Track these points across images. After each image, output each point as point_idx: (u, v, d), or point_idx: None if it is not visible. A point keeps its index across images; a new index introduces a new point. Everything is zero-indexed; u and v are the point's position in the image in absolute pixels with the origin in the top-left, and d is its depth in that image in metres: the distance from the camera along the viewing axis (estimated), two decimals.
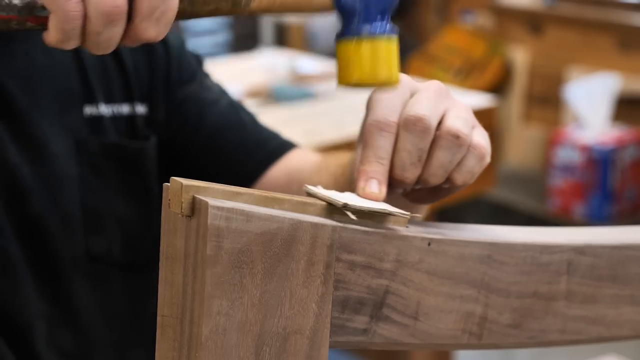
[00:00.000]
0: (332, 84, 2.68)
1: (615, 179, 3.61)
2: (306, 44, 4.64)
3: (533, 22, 4.15)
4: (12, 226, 0.92)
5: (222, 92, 1.10)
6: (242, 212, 0.50)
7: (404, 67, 4.05)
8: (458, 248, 0.57)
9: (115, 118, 1.01)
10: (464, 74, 4.23)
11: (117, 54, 1.00)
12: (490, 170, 2.64)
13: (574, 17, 4.01)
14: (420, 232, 0.56)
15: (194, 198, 0.50)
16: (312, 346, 0.52)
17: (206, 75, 1.10)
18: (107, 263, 0.96)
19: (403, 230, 0.55)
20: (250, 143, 1.10)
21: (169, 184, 0.51)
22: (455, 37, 4.33)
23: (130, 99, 1.03)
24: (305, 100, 2.53)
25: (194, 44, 4.24)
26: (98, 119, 1.00)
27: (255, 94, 2.52)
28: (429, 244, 0.55)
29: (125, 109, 1.02)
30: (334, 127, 2.35)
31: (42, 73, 0.97)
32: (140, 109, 1.03)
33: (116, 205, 0.99)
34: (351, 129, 2.31)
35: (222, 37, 4.42)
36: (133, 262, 0.98)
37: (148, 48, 1.04)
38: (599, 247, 0.62)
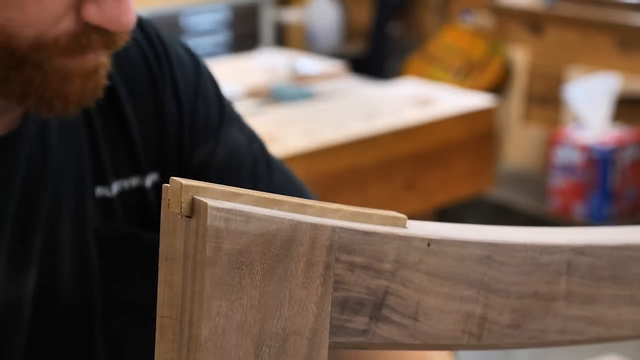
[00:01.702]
0: (332, 84, 2.68)
1: (615, 179, 3.61)
2: (306, 44, 4.64)
3: (533, 22, 4.15)
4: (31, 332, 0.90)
5: (253, 148, 1.02)
6: (241, 213, 0.50)
7: (404, 67, 4.05)
8: (458, 248, 0.57)
9: (125, 194, 0.96)
10: (464, 74, 4.23)
11: (123, 122, 0.96)
12: (490, 170, 2.64)
13: (574, 17, 4.02)
14: (419, 232, 0.56)
15: (193, 199, 0.50)
16: (312, 347, 0.52)
17: (232, 123, 1.03)
18: (129, 346, 0.96)
19: (402, 230, 0.55)
20: None
21: (168, 184, 0.51)
22: (455, 37, 4.33)
23: (138, 171, 0.97)
24: (305, 100, 2.53)
25: (194, 44, 4.25)
26: (109, 202, 0.95)
27: (255, 94, 2.52)
28: (428, 245, 0.55)
29: (134, 182, 0.97)
30: (334, 127, 2.35)
31: (57, 157, 0.92)
32: (151, 178, 0.98)
33: (136, 289, 0.96)
34: (351, 129, 2.31)
35: (222, 37, 4.42)
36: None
37: (159, 110, 0.98)
38: (599, 247, 0.62)
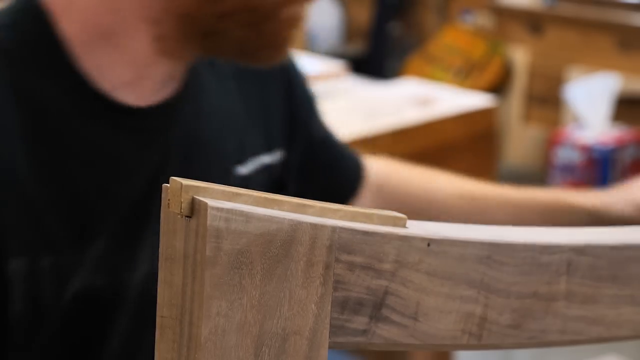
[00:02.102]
0: (332, 84, 2.68)
1: (615, 179, 3.62)
2: (306, 44, 4.64)
3: (533, 22, 4.15)
4: None
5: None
6: (241, 213, 0.50)
7: (404, 67, 4.05)
8: (458, 248, 0.57)
9: (257, 172, 1.03)
10: (464, 74, 4.23)
11: (265, 97, 1.04)
12: (490, 170, 2.64)
13: (574, 17, 4.02)
14: (419, 232, 0.56)
15: (193, 199, 0.50)
16: (312, 347, 0.52)
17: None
18: None
19: (402, 230, 0.55)
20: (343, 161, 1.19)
21: (168, 184, 0.51)
22: (455, 37, 4.33)
23: (269, 148, 1.04)
24: None
25: None
26: (245, 180, 1.01)
27: None
28: (428, 245, 0.55)
29: (265, 159, 1.04)
30: (334, 127, 2.35)
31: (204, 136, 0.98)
32: (277, 155, 1.05)
33: None
34: (351, 129, 2.31)
35: None
36: None
37: (290, 87, 1.09)
38: (598, 247, 0.62)
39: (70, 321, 0.90)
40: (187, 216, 0.50)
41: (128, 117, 0.92)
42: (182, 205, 0.50)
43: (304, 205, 0.53)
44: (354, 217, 0.54)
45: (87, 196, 0.90)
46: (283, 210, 0.52)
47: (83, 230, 0.90)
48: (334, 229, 0.52)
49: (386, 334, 0.55)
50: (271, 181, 1.04)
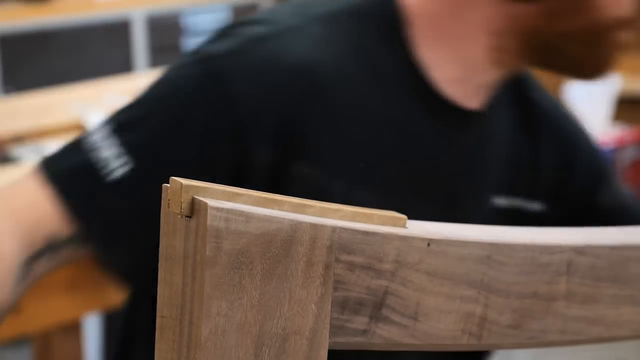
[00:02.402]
0: None
1: None
2: None
3: None
4: None
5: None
6: (241, 213, 0.49)
7: None
8: (458, 248, 0.57)
9: (513, 211, 1.09)
10: None
11: (535, 141, 1.11)
12: None
13: None
14: (419, 232, 0.56)
15: (193, 199, 0.50)
16: (312, 347, 0.52)
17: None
18: None
19: (402, 230, 0.55)
20: None
21: (168, 184, 0.51)
22: None
23: (531, 195, 1.11)
24: None
25: (193, 44, 4.25)
26: (503, 212, 1.09)
27: None
28: (428, 245, 0.55)
29: (523, 204, 1.10)
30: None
31: (478, 154, 1.08)
32: (536, 206, 1.11)
33: None
34: None
35: None
36: None
37: (567, 150, 1.15)
38: (598, 248, 0.62)
39: None
40: (187, 216, 0.50)
41: (447, 110, 1.04)
42: (182, 205, 0.50)
43: (304, 205, 0.53)
44: (354, 217, 0.54)
45: (384, 156, 1.03)
46: (283, 210, 0.51)
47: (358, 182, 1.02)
48: (334, 229, 0.52)
49: (386, 334, 0.55)
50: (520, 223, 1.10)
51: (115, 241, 0.96)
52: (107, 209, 0.96)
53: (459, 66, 1.04)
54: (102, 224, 0.96)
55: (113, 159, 0.95)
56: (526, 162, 1.12)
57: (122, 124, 0.97)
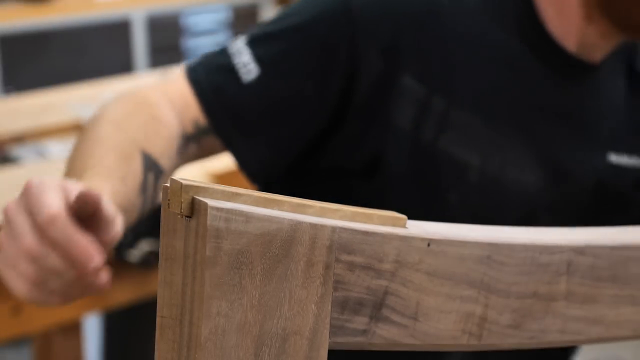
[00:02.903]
0: None
1: None
2: None
3: None
4: None
5: None
6: (241, 213, 0.49)
7: None
8: (458, 248, 0.57)
9: (625, 169, 1.15)
10: None
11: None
12: None
13: None
14: (419, 232, 0.56)
15: (193, 199, 0.50)
16: (312, 347, 0.52)
17: None
18: None
19: (402, 230, 0.55)
20: None
21: (168, 184, 0.51)
22: None
23: (636, 151, 1.16)
24: None
25: (194, 44, 4.24)
26: (618, 169, 1.14)
27: None
28: (428, 245, 0.55)
29: (634, 162, 1.15)
30: None
31: (593, 110, 1.13)
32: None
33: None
34: None
35: (222, 37, 4.41)
36: None
37: None
38: (598, 248, 0.62)
39: (407, 172, 1.09)
40: (187, 216, 0.50)
41: (559, 57, 1.11)
42: (182, 205, 0.50)
43: (304, 205, 0.53)
44: (354, 217, 0.54)
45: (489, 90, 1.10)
46: (283, 210, 0.51)
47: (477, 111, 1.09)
48: (334, 229, 0.52)
49: (386, 334, 0.55)
50: (636, 188, 1.15)
51: (242, 134, 1.08)
52: (235, 105, 1.07)
53: (566, 22, 1.11)
54: (231, 118, 1.07)
55: (244, 65, 1.08)
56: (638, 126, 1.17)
57: (255, 37, 1.10)
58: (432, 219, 0.70)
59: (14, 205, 0.79)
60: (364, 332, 0.54)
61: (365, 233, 0.53)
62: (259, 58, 1.08)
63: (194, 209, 0.50)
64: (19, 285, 0.79)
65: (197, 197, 0.50)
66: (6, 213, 0.79)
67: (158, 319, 0.52)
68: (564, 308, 0.61)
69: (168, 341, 0.51)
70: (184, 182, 0.50)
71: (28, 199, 0.79)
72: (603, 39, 1.12)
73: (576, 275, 0.61)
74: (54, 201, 0.77)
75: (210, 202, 0.49)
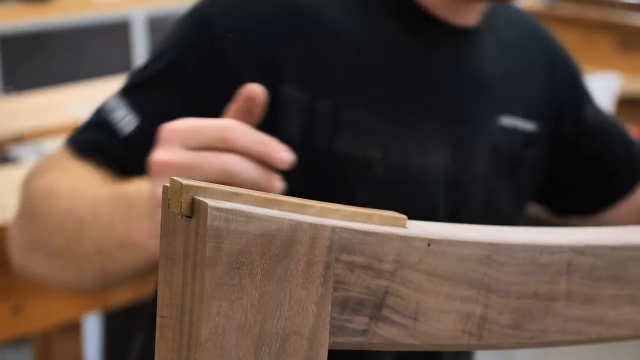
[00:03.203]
0: None
1: None
2: None
3: None
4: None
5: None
6: (241, 213, 0.50)
7: None
8: (458, 248, 0.57)
9: (513, 132, 1.15)
10: None
11: (530, 70, 1.18)
12: None
13: (574, 17, 4.01)
14: (419, 232, 0.56)
15: (193, 199, 0.50)
16: (312, 347, 0.52)
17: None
18: None
19: (402, 230, 0.55)
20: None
21: (168, 184, 0.51)
22: None
23: (526, 116, 1.16)
24: None
25: None
26: (509, 131, 1.14)
27: None
28: (428, 245, 0.55)
29: (521, 124, 1.15)
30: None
31: (480, 75, 1.12)
32: (530, 126, 1.16)
33: (503, 205, 1.13)
34: None
35: None
36: None
37: (551, 70, 1.21)
38: (599, 248, 0.62)
39: (315, 174, 1.05)
40: (187, 216, 0.50)
41: (434, 27, 1.09)
42: (182, 205, 0.50)
43: (304, 206, 0.53)
44: (353, 217, 0.54)
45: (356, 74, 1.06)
46: (283, 210, 0.52)
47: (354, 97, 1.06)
48: (334, 229, 0.52)
49: (386, 334, 0.55)
50: (524, 148, 1.16)
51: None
52: (117, 159, 1.04)
53: None
54: (120, 174, 1.05)
55: (120, 120, 1.05)
56: (521, 83, 1.17)
57: (129, 88, 1.07)
58: None
59: (180, 156, 0.81)
60: (364, 332, 0.54)
61: (365, 233, 0.53)
62: (135, 109, 1.05)
63: (194, 209, 0.50)
64: None
65: (197, 197, 0.50)
66: (185, 164, 0.80)
67: (158, 319, 0.52)
68: (564, 308, 0.61)
69: (168, 341, 0.51)
70: (184, 182, 0.50)
71: (189, 134, 0.80)
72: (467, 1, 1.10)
73: (576, 275, 0.61)
74: (214, 121, 0.81)
75: (211, 202, 0.49)
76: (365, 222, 0.54)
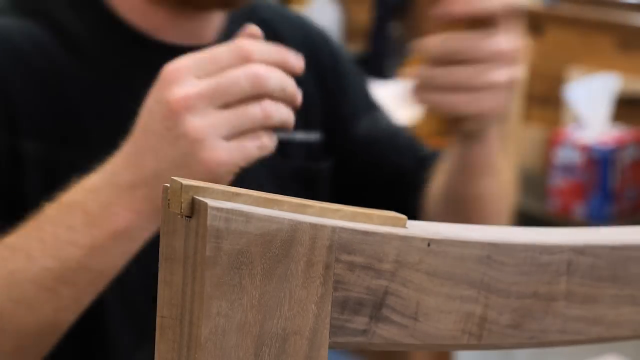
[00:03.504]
0: None
1: (615, 179, 3.62)
2: None
3: (533, 22, 4.15)
4: None
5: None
6: (241, 213, 0.50)
7: (404, 68, 4.05)
8: (458, 248, 0.57)
9: (292, 144, 1.06)
10: None
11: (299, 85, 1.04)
12: None
13: (574, 17, 4.02)
14: (420, 232, 0.56)
15: (193, 199, 0.50)
16: (312, 347, 0.52)
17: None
18: None
19: (402, 230, 0.55)
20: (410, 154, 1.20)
21: (168, 184, 0.51)
22: None
23: (305, 127, 1.06)
24: None
25: None
26: (284, 144, 1.03)
27: None
28: (428, 245, 0.55)
29: (299, 135, 1.06)
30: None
31: None
32: (314, 136, 1.07)
33: None
34: None
35: None
36: None
37: (321, 78, 1.10)
38: (599, 248, 0.62)
39: None
40: (187, 216, 0.50)
41: (151, 54, 0.99)
42: (182, 205, 0.50)
43: (304, 205, 0.53)
44: (354, 217, 0.54)
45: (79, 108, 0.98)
46: (283, 210, 0.52)
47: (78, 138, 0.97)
48: (334, 229, 0.52)
49: (386, 334, 0.55)
50: (310, 159, 1.07)
51: None
52: None
53: (132, 5, 1.01)
54: None
55: None
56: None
57: None
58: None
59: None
60: (364, 332, 0.54)
61: (365, 233, 0.53)
62: None
63: (194, 209, 0.50)
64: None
65: (197, 197, 0.50)
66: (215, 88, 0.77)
67: (158, 319, 0.52)
68: (564, 308, 0.61)
69: (168, 341, 0.51)
70: (184, 182, 0.50)
71: (202, 64, 0.78)
72: (175, 16, 1.01)
73: (576, 275, 0.61)
74: (225, 44, 0.79)
75: (210, 202, 0.49)
76: (365, 222, 0.54)
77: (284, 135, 1.02)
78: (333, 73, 1.15)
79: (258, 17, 1.10)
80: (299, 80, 0.99)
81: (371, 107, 1.20)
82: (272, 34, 1.06)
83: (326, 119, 1.11)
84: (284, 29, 1.12)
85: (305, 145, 1.07)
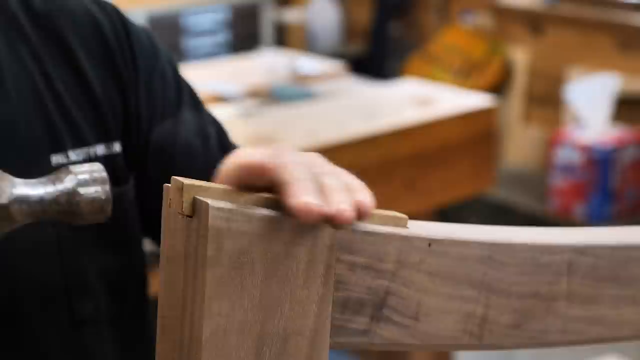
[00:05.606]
0: (332, 84, 2.68)
1: (615, 179, 3.61)
2: (306, 44, 4.64)
3: (533, 22, 4.15)
4: None
5: (207, 133, 0.96)
6: (242, 213, 0.49)
7: (404, 67, 4.05)
8: (459, 248, 0.57)
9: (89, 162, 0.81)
10: (464, 74, 4.23)
11: (89, 89, 0.89)
12: (490, 170, 2.64)
13: (574, 17, 4.02)
14: (421, 232, 0.56)
15: (194, 198, 0.50)
16: (312, 347, 0.52)
17: (190, 107, 0.97)
18: (93, 322, 0.86)
19: (403, 230, 0.55)
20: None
21: (169, 184, 0.51)
22: (455, 37, 4.33)
23: (106, 138, 0.89)
24: (305, 100, 2.53)
25: (194, 44, 4.25)
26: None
27: (255, 94, 2.51)
28: (429, 245, 0.55)
29: (100, 150, 0.88)
30: (334, 127, 2.34)
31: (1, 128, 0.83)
32: (117, 147, 0.89)
33: (98, 258, 0.86)
34: (351, 129, 2.31)
35: (222, 37, 4.42)
36: (121, 312, 0.88)
37: (116, 73, 0.91)
38: (599, 248, 0.62)
39: None
40: (188, 216, 0.50)
41: None
42: (184, 205, 0.50)
43: None
44: None
45: None
46: (284, 210, 0.51)
47: None
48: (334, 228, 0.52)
49: (387, 334, 0.55)
50: (114, 178, 0.82)
51: None
52: None
53: None
54: None
55: None
56: (81, 102, 0.88)
57: None
58: None
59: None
60: (364, 332, 0.54)
61: (366, 233, 0.53)
62: None
63: (195, 209, 0.50)
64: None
65: (198, 197, 0.50)
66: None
67: (159, 319, 0.52)
68: (564, 308, 0.61)
69: (169, 341, 0.51)
70: (185, 181, 0.50)
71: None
72: None
73: (577, 276, 0.61)
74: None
75: (212, 202, 0.49)
76: (366, 222, 0.54)
77: (85, 154, 0.86)
78: (129, 67, 0.93)
79: (32, 13, 0.89)
80: (89, 81, 0.87)
81: (178, 107, 0.96)
82: (53, 33, 0.89)
83: (124, 124, 0.91)
84: (65, 24, 0.90)
85: (109, 160, 0.87)
